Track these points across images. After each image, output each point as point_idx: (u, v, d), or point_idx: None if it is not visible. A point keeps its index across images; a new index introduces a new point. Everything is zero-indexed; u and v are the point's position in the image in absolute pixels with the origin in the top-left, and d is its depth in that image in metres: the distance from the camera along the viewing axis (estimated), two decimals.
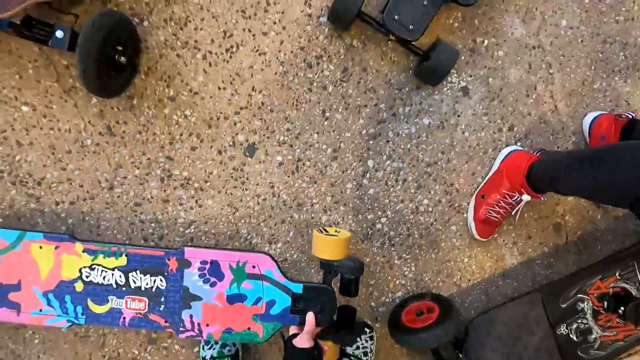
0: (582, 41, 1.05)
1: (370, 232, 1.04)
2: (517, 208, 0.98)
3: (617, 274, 0.98)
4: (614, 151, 0.75)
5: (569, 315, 0.98)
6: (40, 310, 0.81)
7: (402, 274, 1.07)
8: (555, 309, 0.97)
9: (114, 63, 0.79)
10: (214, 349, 0.94)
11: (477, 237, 1.03)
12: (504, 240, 1.09)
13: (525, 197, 0.92)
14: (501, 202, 0.96)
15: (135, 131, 0.93)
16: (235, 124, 0.96)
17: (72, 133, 0.92)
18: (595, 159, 0.76)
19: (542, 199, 0.92)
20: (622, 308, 0.94)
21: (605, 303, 0.97)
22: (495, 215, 0.98)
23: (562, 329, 0.98)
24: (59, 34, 0.76)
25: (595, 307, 0.97)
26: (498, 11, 1.01)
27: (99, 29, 0.73)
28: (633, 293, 0.97)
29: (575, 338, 0.99)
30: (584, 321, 0.98)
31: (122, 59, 0.80)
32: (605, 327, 0.99)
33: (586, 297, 0.97)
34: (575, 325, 0.98)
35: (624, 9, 1.06)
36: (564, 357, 0.99)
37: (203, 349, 0.96)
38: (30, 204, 0.93)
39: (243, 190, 0.99)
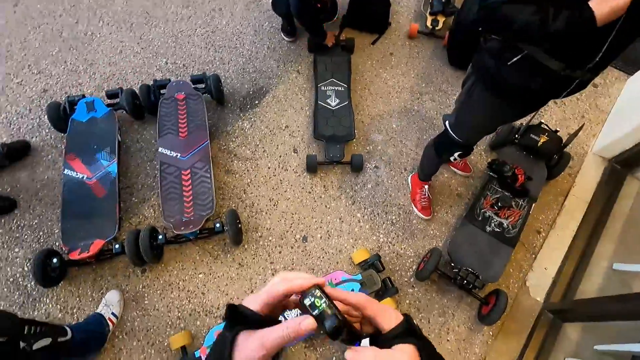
0: None
1: None
2: (427, 193, 2.01)
3: (489, 194, 1.98)
4: None
5: (486, 221, 1.90)
6: None
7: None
8: (477, 221, 1.90)
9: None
10: None
11: (425, 217, 2.01)
12: (444, 212, 2.07)
13: (426, 187, 1.98)
14: (422, 195, 2.00)
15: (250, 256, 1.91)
16: None
17: (223, 274, 1.86)
18: None
19: (428, 184, 1.98)
20: (499, 204, 1.91)
21: (495, 207, 1.93)
22: (424, 202, 2.00)
23: (488, 229, 1.88)
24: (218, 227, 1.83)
25: (491, 211, 1.92)
26: None
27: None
28: (499, 196, 1.95)
29: (499, 229, 1.88)
30: (493, 220, 1.90)
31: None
32: (507, 217, 1.91)
33: (485, 209, 1.93)
34: (493, 224, 1.89)
35: None
36: (503, 242, 1.85)
37: None
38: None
39: None
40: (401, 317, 0.47)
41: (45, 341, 1.33)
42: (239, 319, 0.43)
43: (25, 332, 1.26)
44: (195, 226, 1.82)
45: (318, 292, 0.42)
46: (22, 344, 1.24)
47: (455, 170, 2.17)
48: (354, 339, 0.47)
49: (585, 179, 2.19)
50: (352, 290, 1.66)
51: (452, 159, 1.69)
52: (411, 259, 1.95)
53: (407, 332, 0.46)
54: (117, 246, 1.79)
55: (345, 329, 0.43)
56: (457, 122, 1.51)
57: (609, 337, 1.72)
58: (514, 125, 2.14)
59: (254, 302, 0.44)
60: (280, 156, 2.20)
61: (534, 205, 1.97)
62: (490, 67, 1.24)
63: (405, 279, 1.90)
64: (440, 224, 2.05)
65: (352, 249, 1.96)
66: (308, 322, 0.40)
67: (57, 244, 1.90)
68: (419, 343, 0.45)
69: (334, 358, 1.73)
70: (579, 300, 1.73)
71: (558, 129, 2.09)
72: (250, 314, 0.43)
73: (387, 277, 1.81)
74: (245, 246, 1.94)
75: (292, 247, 1.95)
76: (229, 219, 1.83)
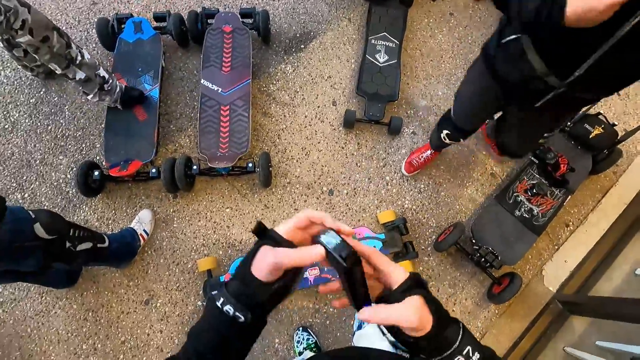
0: None
1: None
2: (423, 158, 1.94)
3: (525, 178, 1.92)
4: None
5: (516, 205, 1.87)
6: None
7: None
8: (507, 204, 1.87)
9: None
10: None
11: (405, 172, 1.99)
12: (474, 189, 2.04)
13: (428, 152, 1.92)
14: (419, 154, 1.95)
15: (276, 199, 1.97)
16: None
17: (249, 212, 1.94)
18: None
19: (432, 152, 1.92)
20: (534, 190, 1.86)
21: (529, 193, 1.88)
22: (416, 161, 1.95)
23: (517, 214, 1.86)
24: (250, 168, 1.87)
25: (524, 196, 1.88)
26: None
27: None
28: (536, 182, 1.90)
29: (527, 216, 1.86)
30: (524, 205, 1.87)
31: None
32: (538, 205, 1.87)
33: (517, 193, 1.89)
34: (523, 209, 1.86)
35: None
36: (530, 228, 1.83)
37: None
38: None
39: None
40: (407, 273, 0.51)
41: (87, 245, 1.45)
42: (267, 238, 0.50)
43: (71, 234, 1.37)
44: (229, 162, 1.86)
45: (333, 232, 0.47)
46: (67, 244, 1.35)
47: (491, 151, 2.09)
48: (364, 300, 0.50)
49: (630, 181, 2.08)
50: (374, 247, 1.71)
51: (442, 136, 1.62)
52: (432, 229, 1.97)
53: (415, 284, 0.50)
54: (153, 170, 1.86)
55: (359, 268, 0.47)
56: (456, 92, 1.44)
57: (613, 335, 1.74)
58: None
59: (282, 227, 0.51)
60: (318, 106, 2.17)
61: (569, 197, 1.91)
62: (492, 38, 1.11)
63: (423, 247, 1.94)
64: (467, 200, 2.03)
65: (376, 210, 1.98)
66: (318, 250, 0.46)
67: (97, 158, 1.99)
68: (427, 294, 0.49)
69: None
70: (594, 297, 1.74)
71: (616, 122, 1.96)
72: (275, 235, 0.50)
73: (409, 241, 1.84)
74: (273, 189, 2.00)
75: (317, 198, 1.99)
76: (261, 161, 1.86)
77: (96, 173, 1.83)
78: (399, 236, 1.77)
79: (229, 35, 2.09)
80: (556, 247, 1.97)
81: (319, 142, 2.10)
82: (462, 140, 1.64)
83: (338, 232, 0.48)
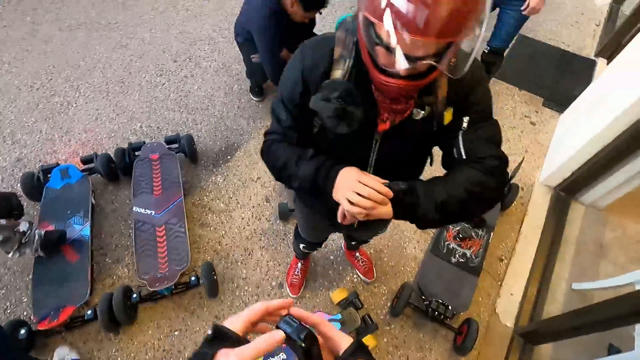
0: None
1: None
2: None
3: (450, 226, 2.12)
4: None
5: (450, 252, 2.02)
6: None
7: None
8: (442, 253, 2.02)
9: None
10: None
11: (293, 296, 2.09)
12: (412, 248, 2.18)
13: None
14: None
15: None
16: None
17: (199, 329, 1.85)
18: None
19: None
20: (460, 236, 2.05)
21: (457, 238, 2.06)
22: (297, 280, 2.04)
23: (453, 260, 1.99)
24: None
25: (454, 243, 2.05)
26: None
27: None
28: (460, 228, 2.10)
29: (463, 260, 2.00)
30: (457, 251, 2.03)
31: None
32: (469, 247, 2.04)
33: (448, 241, 2.06)
34: (457, 255, 2.01)
35: None
36: (468, 271, 1.96)
37: None
38: None
39: None
40: (351, 339, 0.56)
41: None
42: (220, 338, 0.48)
43: None
44: (170, 281, 1.83)
45: (290, 317, 0.52)
46: None
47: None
48: None
49: (536, 207, 2.39)
50: None
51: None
52: (385, 297, 2.01)
53: (360, 349, 0.54)
54: (89, 312, 1.76)
55: (316, 346, 0.51)
56: None
57: (578, 355, 1.80)
58: None
59: (236, 322, 0.50)
60: (253, 206, 2.30)
61: (492, 234, 2.12)
62: None
63: (382, 317, 1.95)
64: (409, 259, 2.14)
65: (328, 292, 2.00)
66: (279, 334, 0.48)
67: (25, 313, 1.85)
68: (369, 358, 0.54)
69: None
70: (543, 321, 1.82)
71: None
72: (230, 333, 0.49)
73: (366, 314, 1.85)
74: (222, 298, 1.95)
75: (268, 295, 1.98)
76: (204, 272, 1.86)
77: (22, 331, 1.67)
78: (355, 311, 1.78)
79: (157, 162, 2.25)
80: (499, 283, 2.09)
81: (259, 240, 2.17)
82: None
83: (293, 316, 0.53)
